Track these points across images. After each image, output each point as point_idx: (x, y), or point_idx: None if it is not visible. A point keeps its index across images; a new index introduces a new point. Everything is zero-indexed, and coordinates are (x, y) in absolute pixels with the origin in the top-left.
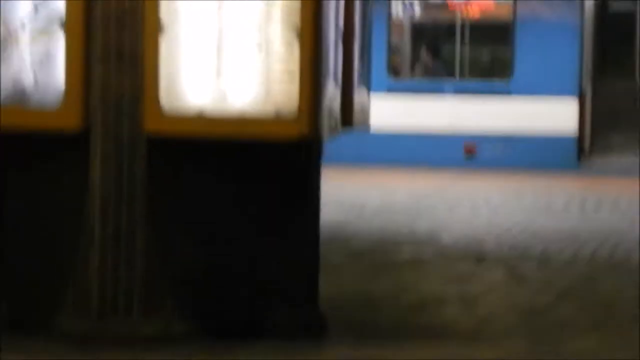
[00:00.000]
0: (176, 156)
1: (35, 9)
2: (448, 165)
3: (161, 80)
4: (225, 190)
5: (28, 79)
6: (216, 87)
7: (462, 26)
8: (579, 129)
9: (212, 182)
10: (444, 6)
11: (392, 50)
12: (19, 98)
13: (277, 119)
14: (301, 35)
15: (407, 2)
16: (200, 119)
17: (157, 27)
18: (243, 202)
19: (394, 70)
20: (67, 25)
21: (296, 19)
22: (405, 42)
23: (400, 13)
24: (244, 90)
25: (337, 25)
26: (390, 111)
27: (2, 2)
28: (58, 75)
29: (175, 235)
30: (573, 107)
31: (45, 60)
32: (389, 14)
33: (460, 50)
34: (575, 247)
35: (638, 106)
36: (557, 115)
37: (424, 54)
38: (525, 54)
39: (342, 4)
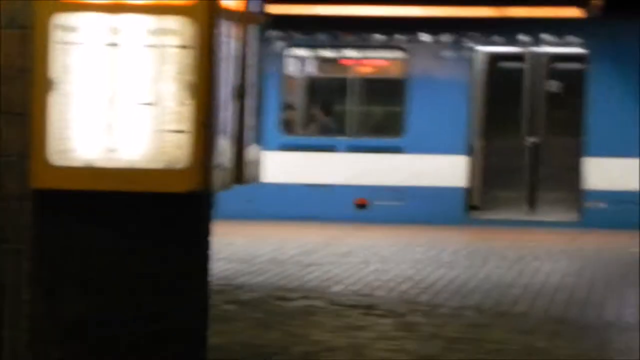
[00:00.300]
0: (65, 209)
1: None
2: (340, 218)
3: (51, 135)
4: (115, 243)
5: None
6: (106, 141)
7: (355, 83)
8: (468, 184)
9: (102, 235)
10: (337, 63)
11: (285, 107)
12: None
13: (168, 173)
14: (194, 92)
15: (300, 59)
16: (90, 172)
17: (46, 84)
18: (132, 255)
19: (286, 127)
20: None
21: (189, 76)
22: (298, 99)
23: (293, 71)
24: (135, 144)
25: (230, 82)
26: (282, 166)
27: None
28: None
29: (63, 289)
30: (463, 164)
31: None
32: (282, 71)
33: (352, 107)
34: (462, 297)
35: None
36: (447, 171)
37: (317, 111)
38: (416, 112)
39: (235, 61)
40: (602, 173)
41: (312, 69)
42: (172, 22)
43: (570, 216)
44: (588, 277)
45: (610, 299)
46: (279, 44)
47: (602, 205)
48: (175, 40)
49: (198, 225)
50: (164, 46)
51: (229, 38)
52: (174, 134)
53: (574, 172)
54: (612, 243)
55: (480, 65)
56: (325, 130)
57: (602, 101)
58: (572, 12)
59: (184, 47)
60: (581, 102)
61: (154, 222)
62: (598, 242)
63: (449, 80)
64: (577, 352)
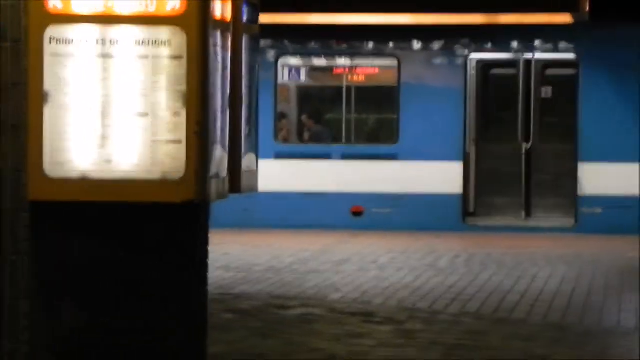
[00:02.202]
0: (62, 222)
1: None
2: (336, 226)
3: (45, 147)
4: (112, 255)
5: None
6: (102, 153)
7: (348, 91)
8: (464, 190)
9: (99, 246)
10: (330, 71)
11: (279, 116)
12: None
13: (163, 183)
14: (188, 102)
15: (293, 67)
16: (85, 184)
17: (41, 96)
18: (130, 266)
19: (281, 135)
20: None
21: (182, 86)
22: (292, 108)
23: (287, 79)
24: (130, 155)
25: (223, 91)
26: (277, 175)
27: None
28: None
29: (61, 302)
30: (458, 170)
31: None
32: (276, 80)
33: (346, 115)
34: (461, 303)
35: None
36: (442, 178)
37: (311, 120)
38: (410, 119)
39: (228, 70)
40: (597, 178)
41: (305, 78)
42: (164, 32)
43: (566, 222)
44: (586, 283)
45: (609, 304)
46: (272, 53)
47: (597, 210)
48: (167, 51)
49: (195, 235)
50: (156, 57)
51: (221, 48)
52: (169, 145)
53: (569, 178)
54: (609, 248)
55: (473, 71)
56: (319, 138)
57: (594, 106)
58: (562, 18)
59: (176, 57)
60: (574, 107)
61: (151, 233)
62: (595, 248)
63: (442, 87)
64: (577, 359)
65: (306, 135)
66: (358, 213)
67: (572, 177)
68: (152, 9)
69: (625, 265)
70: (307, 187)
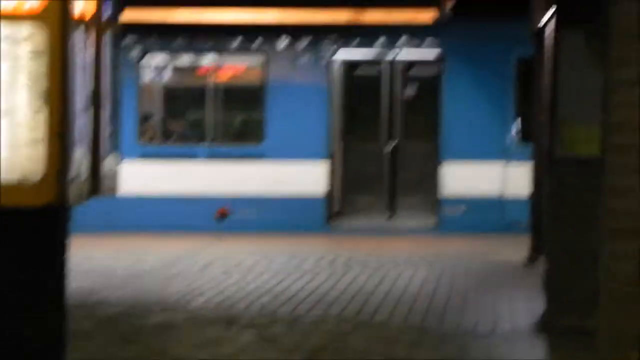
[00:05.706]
0: None
1: None
2: (201, 228)
3: None
4: None
5: None
6: None
7: (214, 91)
8: (328, 191)
9: None
10: (195, 71)
11: (143, 116)
12: None
13: (22, 186)
14: (47, 102)
15: (157, 66)
16: None
17: None
18: None
19: (145, 135)
20: None
21: (42, 85)
22: (156, 107)
23: (151, 78)
24: None
25: (85, 90)
26: (141, 176)
27: None
28: None
29: None
30: (322, 170)
31: None
32: (139, 80)
33: (211, 114)
34: (324, 306)
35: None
36: (307, 177)
37: (176, 119)
38: (276, 118)
39: (90, 69)
40: (459, 178)
41: (169, 76)
42: (23, 28)
43: (428, 222)
44: (447, 284)
45: (468, 306)
46: (135, 51)
47: (458, 210)
48: (27, 48)
49: (54, 240)
50: (15, 53)
51: (82, 45)
52: (28, 146)
53: (432, 177)
54: (469, 249)
55: (338, 70)
56: (185, 138)
57: (457, 105)
58: (426, 15)
59: (36, 54)
60: (438, 106)
61: (8, 238)
62: (456, 249)
63: (307, 85)
64: None
65: (171, 135)
66: (223, 215)
67: (435, 176)
68: (9, 7)
69: (485, 266)
70: (172, 189)
